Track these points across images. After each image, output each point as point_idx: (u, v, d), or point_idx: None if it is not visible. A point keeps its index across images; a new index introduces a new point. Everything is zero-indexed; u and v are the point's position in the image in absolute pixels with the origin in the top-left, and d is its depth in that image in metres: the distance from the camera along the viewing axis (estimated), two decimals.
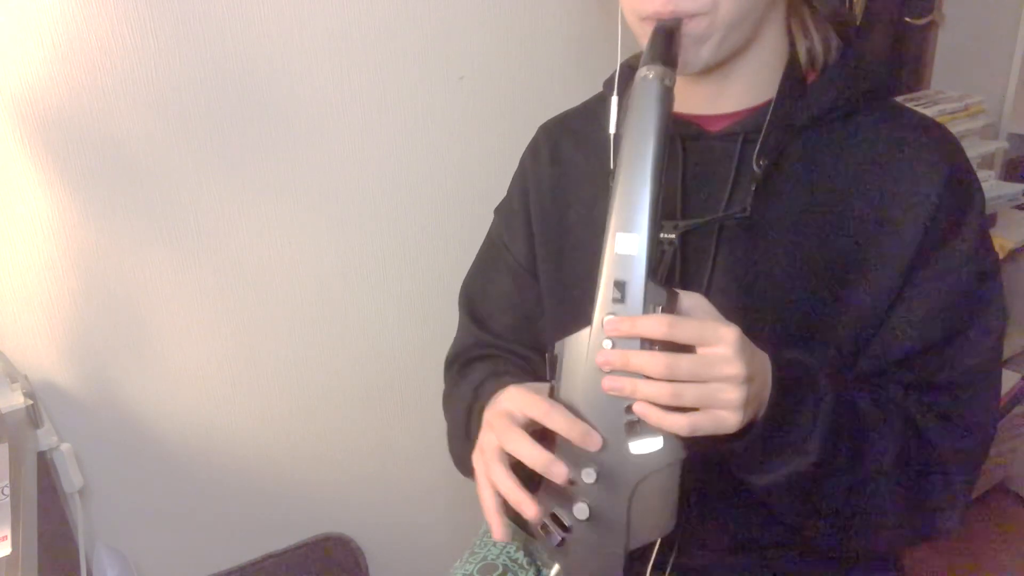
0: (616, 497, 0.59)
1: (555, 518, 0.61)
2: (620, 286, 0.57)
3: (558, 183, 0.84)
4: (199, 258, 1.08)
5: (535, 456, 0.59)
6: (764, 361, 0.61)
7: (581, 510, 0.60)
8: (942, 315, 0.69)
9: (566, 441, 0.59)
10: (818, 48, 0.73)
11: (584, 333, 0.59)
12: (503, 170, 0.91)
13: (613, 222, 0.58)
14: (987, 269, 0.71)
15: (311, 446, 1.25)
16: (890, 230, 0.69)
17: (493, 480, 0.62)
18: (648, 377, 0.56)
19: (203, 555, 1.21)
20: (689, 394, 0.55)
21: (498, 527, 0.62)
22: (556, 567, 0.64)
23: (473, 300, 0.91)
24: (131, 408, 1.10)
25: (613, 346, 0.57)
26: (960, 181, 0.70)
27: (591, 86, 0.86)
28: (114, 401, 1.08)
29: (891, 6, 1.58)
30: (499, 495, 0.62)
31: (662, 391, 0.55)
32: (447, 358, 0.93)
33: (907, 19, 1.61)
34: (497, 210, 0.92)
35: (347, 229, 1.17)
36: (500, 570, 0.92)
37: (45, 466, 1.01)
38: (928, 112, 1.45)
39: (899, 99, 1.54)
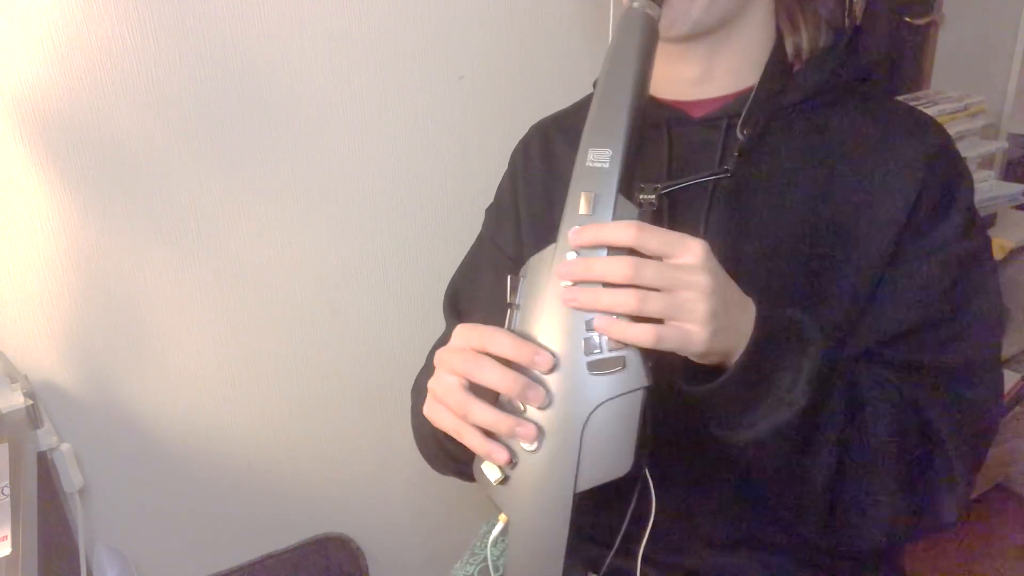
0: (569, 426, 0.54)
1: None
2: (589, 199, 0.54)
3: (548, 180, 0.84)
4: (199, 258, 1.08)
5: (508, 381, 0.54)
6: (742, 298, 0.58)
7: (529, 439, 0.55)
8: (932, 293, 0.69)
9: (517, 367, 0.55)
10: (804, 45, 0.74)
11: (548, 249, 0.55)
12: (503, 170, 0.91)
13: (585, 138, 0.56)
14: (977, 249, 0.70)
15: (311, 446, 1.25)
16: (878, 208, 0.69)
17: (475, 419, 0.56)
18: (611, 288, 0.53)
19: (203, 555, 1.21)
20: (654, 301, 0.52)
21: (501, 450, 0.56)
22: (500, 523, 0.59)
23: (457, 297, 0.91)
24: (131, 408, 1.10)
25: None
26: (947, 162, 0.70)
27: (591, 86, 0.86)
28: (114, 401, 1.08)
29: (891, 6, 1.58)
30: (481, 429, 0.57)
31: (627, 298, 0.51)
32: (428, 354, 0.92)
33: (907, 19, 1.61)
34: (488, 210, 0.92)
35: (347, 229, 1.17)
36: (500, 571, 0.92)
37: (45, 466, 1.01)
38: (928, 112, 1.45)
39: (899, 99, 1.55)
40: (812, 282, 0.70)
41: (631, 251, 0.53)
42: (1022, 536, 1.81)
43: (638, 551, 0.68)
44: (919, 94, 1.62)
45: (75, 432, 1.06)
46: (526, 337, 0.55)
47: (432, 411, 0.60)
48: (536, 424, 0.55)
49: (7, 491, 0.81)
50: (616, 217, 0.53)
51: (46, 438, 1.01)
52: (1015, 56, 1.89)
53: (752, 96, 0.72)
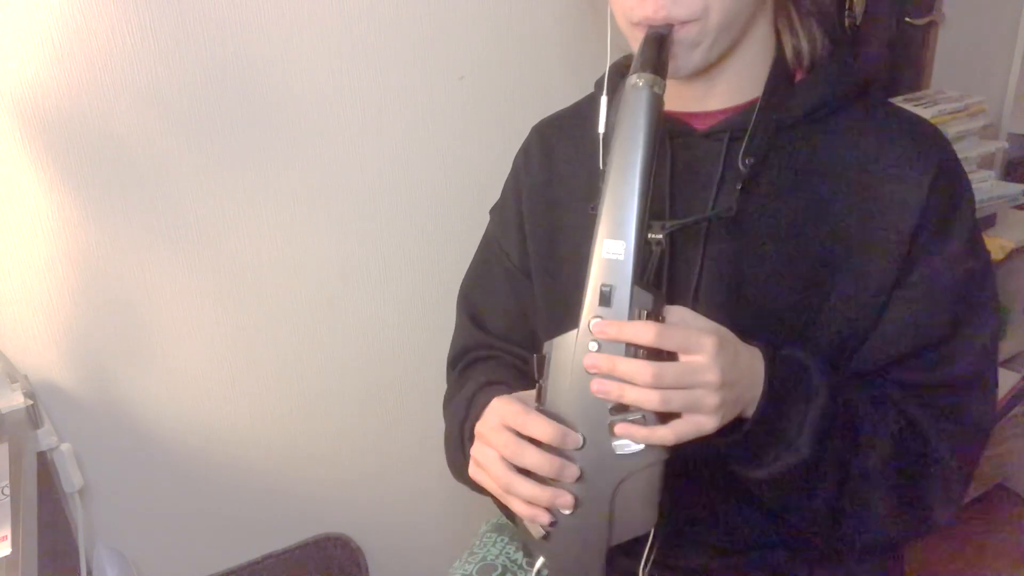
0: (599, 495, 0.61)
1: None
2: (607, 290, 0.58)
3: (550, 183, 0.84)
4: (199, 258, 1.08)
5: (546, 465, 0.61)
6: (751, 361, 0.63)
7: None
8: (936, 314, 0.69)
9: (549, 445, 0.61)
10: (804, 47, 0.73)
11: (571, 335, 0.60)
12: (503, 170, 0.91)
13: (601, 228, 0.59)
14: (979, 267, 0.71)
15: (311, 446, 1.25)
16: (878, 230, 0.69)
17: (518, 493, 0.63)
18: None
19: (203, 555, 1.21)
20: (676, 400, 0.57)
21: (545, 515, 0.63)
22: (540, 560, 0.66)
23: (471, 301, 0.92)
24: (131, 408, 1.10)
25: (599, 348, 0.58)
26: (948, 179, 0.69)
27: (591, 86, 0.86)
28: (114, 401, 1.08)
29: (891, 6, 1.58)
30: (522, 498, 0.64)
31: (650, 397, 0.57)
32: (448, 358, 0.94)
33: (907, 19, 1.61)
34: (492, 211, 0.92)
35: (347, 229, 1.17)
36: (499, 570, 0.92)
37: (45, 466, 1.01)
38: (928, 112, 1.45)
39: (899, 99, 1.54)
40: (811, 307, 0.71)
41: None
42: (1022, 536, 1.81)
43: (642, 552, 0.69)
44: (919, 94, 1.61)
45: (75, 432, 1.06)
46: (556, 416, 0.62)
47: (477, 475, 0.68)
48: (572, 494, 0.61)
49: (7, 491, 0.81)
50: (632, 306, 0.58)
51: (46, 438, 1.01)
52: (1015, 56, 1.89)
53: (755, 117, 0.71)
